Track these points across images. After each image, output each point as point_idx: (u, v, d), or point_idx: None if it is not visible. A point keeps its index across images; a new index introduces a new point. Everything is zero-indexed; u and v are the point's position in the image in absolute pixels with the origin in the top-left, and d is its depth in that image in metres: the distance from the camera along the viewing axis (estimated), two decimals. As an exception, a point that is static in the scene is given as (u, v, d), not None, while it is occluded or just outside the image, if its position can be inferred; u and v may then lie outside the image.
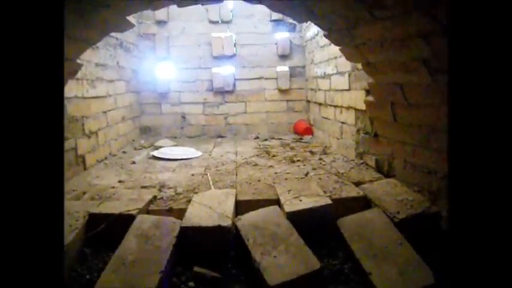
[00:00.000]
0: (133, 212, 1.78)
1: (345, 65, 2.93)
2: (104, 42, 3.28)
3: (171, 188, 2.27)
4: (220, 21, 4.64)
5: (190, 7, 2.19)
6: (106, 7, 1.65)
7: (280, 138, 4.25)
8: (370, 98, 2.42)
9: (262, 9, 3.71)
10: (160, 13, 4.48)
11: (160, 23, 4.61)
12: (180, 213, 1.83)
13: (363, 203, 1.99)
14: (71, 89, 2.59)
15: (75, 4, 1.48)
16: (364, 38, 1.86)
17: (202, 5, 1.99)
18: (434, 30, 1.40)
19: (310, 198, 1.91)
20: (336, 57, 3.22)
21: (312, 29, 4.08)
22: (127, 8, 1.79)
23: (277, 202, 1.95)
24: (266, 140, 4.22)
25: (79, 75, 2.69)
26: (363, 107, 2.60)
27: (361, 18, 1.66)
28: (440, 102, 1.72)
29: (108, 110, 3.44)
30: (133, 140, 4.22)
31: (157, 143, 3.87)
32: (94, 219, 1.77)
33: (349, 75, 2.91)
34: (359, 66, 2.49)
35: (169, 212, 1.92)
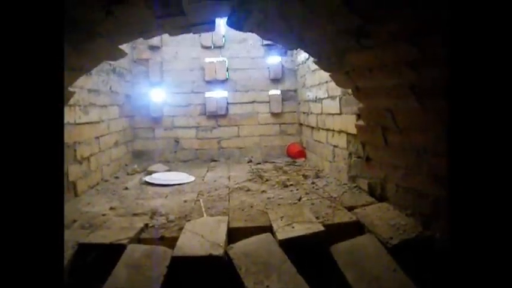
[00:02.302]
0: (124, 242, 1.75)
1: (336, 89, 2.97)
2: (97, 69, 3.30)
3: (163, 215, 2.25)
4: (213, 46, 4.72)
5: (183, 33, 2.23)
6: (99, 37, 1.67)
7: (273, 162, 4.25)
8: (361, 122, 2.44)
9: (254, 34, 3.78)
10: (154, 39, 4.53)
11: (154, 48, 4.67)
12: (172, 242, 1.81)
13: (356, 228, 1.98)
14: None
15: (69, 35, 1.50)
16: (353, 65, 1.90)
17: (194, 33, 2.02)
18: (421, 58, 1.43)
19: (303, 225, 1.89)
20: (327, 82, 3.26)
21: (303, 53, 4.15)
22: (120, 37, 1.81)
23: (270, 229, 1.94)
24: (259, 163, 4.22)
25: (71, 101, 2.69)
26: (354, 130, 2.63)
27: (349, 47, 1.70)
28: (428, 126, 1.74)
29: (101, 136, 3.43)
30: (126, 165, 4.19)
31: (150, 168, 3.85)
32: (84, 249, 1.74)
33: (340, 100, 2.95)
34: (349, 91, 2.53)
35: (161, 240, 1.89)
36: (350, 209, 2.21)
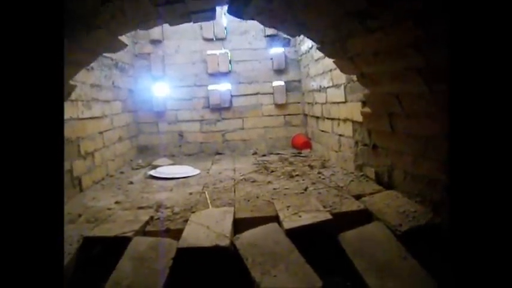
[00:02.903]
0: (129, 234, 1.74)
1: (340, 77, 2.93)
2: (99, 63, 3.29)
3: (168, 207, 2.23)
4: (214, 39, 4.67)
5: (184, 25, 2.19)
6: (97, 28, 1.64)
7: (278, 153, 4.22)
8: (367, 109, 2.40)
9: (256, 25, 3.74)
10: (155, 32, 4.51)
11: (155, 42, 4.64)
12: (177, 234, 1.79)
13: (364, 216, 1.95)
14: (65, 111, 2.57)
15: (66, 27, 1.47)
16: (357, 50, 1.85)
17: (194, 22, 1.98)
18: (426, 40, 1.39)
19: (310, 213, 1.86)
20: (331, 70, 3.22)
21: (306, 43, 4.10)
22: (118, 28, 1.78)
23: (276, 219, 1.91)
24: (264, 155, 4.19)
25: (74, 96, 2.68)
26: (359, 118, 2.58)
27: (352, 30, 1.66)
28: (437, 111, 1.69)
29: (105, 131, 3.42)
30: (131, 160, 4.18)
31: (155, 162, 3.83)
32: (89, 243, 1.72)
33: (345, 88, 2.90)
34: (354, 78, 2.48)
35: (167, 232, 1.87)
36: (357, 197, 2.17)
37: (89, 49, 1.92)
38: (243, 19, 1.98)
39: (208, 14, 1.85)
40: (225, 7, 1.84)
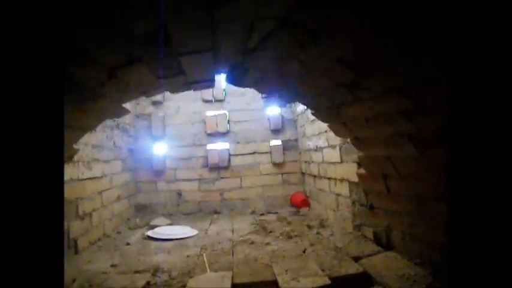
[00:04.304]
0: (125, 302, 1.70)
1: (335, 138, 3.02)
2: (102, 125, 3.38)
3: (165, 271, 2.20)
4: (213, 100, 4.85)
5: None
6: (102, 97, 1.74)
7: (276, 212, 4.21)
8: (362, 171, 2.45)
9: (253, 88, 3.90)
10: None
11: (156, 103, 4.81)
12: (174, 300, 1.76)
13: (363, 279, 1.92)
14: (66, 172, 2.61)
15: (72, 95, 1.57)
16: (350, 116, 1.94)
17: (194, 90, 2.09)
18: (414, 108, 1.48)
19: (308, 278, 1.84)
20: (326, 131, 3.32)
21: (301, 104, 4.25)
22: (122, 97, 1.88)
23: (275, 283, 1.88)
24: (263, 214, 4.17)
25: (75, 158, 2.73)
26: (356, 179, 2.63)
27: (344, 99, 1.76)
28: (428, 174, 1.75)
29: (104, 190, 3.43)
30: (128, 219, 4.15)
31: (153, 222, 3.81)
32: (83, 311, 1.68)
33: (340, 148, 2.98)
34: (349, 139, 2.57)
35: (163, 299, 1.83)
36: (356, 259, 2.16)
37: (94, 115, 2.01)
38: (241, 87, 2.09)
39: (208, 83, 1.96)
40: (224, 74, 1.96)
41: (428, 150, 1.63)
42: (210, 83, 1.96)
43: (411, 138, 1.68)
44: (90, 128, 2.20)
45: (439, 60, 1.09)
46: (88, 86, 1.52)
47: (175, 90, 1.99)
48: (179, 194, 4.72)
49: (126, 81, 1.57)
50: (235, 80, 1.88)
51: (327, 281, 1.81)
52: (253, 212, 4.36)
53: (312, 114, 2.35)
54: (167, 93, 4.75)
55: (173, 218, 4.25)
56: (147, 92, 1.92)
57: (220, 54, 1.47)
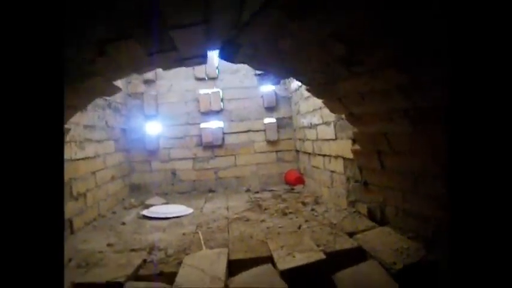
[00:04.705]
0: (121, 280, 1.71)
1: (330, 115, 3.00)
2: (93, 104, 3.33)
3: (161, 249, 2.21)
4: (206, 78, 4.79)
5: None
6: (92, 75, 1.69)
7: (271, 190, 4.23)
8: (357, 147, 2.45)
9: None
10: (148, 73, 4.61)
11: (149, 82, 4.74)
12: (171, 277, 1.76)
13: (358, 254, 1.95)
14: (58, 153, 2.58)
15: (65, 75, 1.52)
16: (345, 92, 1.92)
17: (186, 66, 2.05)
18: (411, 84, 1.46)
19: (304, 253, 1.86)
20: (320, 108, 3.30)
21: (296, 81, 4.21)
22: (113, 74, 1.84)
23: (270, 259, 1.90)
24: (257, 192, 4.19)
25: (67, 138, 2.70)
26: (350, 155, 2.63)
27: (340, 74, 1.73)
28: (423, 149, 1.75)
29: (97, 170, 3.41)
30: (123, 199, 4.15)
31: (148, 201, 3.81)
32: (80, 290, 1.69)
33: (335, 125, 2.97)
34: (343, 116, 2.55)
35: (160, 276, 1.84)
36: (351, 234, 2.18)
37: (85, 94, 1.97)
38: (234, 63, 2.05)
39: (200, 59, 1.91)
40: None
41: (424, 126, 1.62)
42: (203, 59, 1.92)
43: (407, 114, 1.67)
44: (80, 107, 2.16)
45: (440, 31, 1.06)
46: (78, 63, 1.47)
47: (167, 66, 1.94)
48: (174, 173, 4.72)
49: (117, 58, 1.52)
50: (228, 55, 1.84)
51: (322, 256, 1.83)
52: (248, 190, 4.37)
53: (307, 90, 2.32)
54: (159, 72, 4.68)
55: (168, 197, 4.26)
56: (139, 69, 1.87)
57: (213, 28, 1.43)
